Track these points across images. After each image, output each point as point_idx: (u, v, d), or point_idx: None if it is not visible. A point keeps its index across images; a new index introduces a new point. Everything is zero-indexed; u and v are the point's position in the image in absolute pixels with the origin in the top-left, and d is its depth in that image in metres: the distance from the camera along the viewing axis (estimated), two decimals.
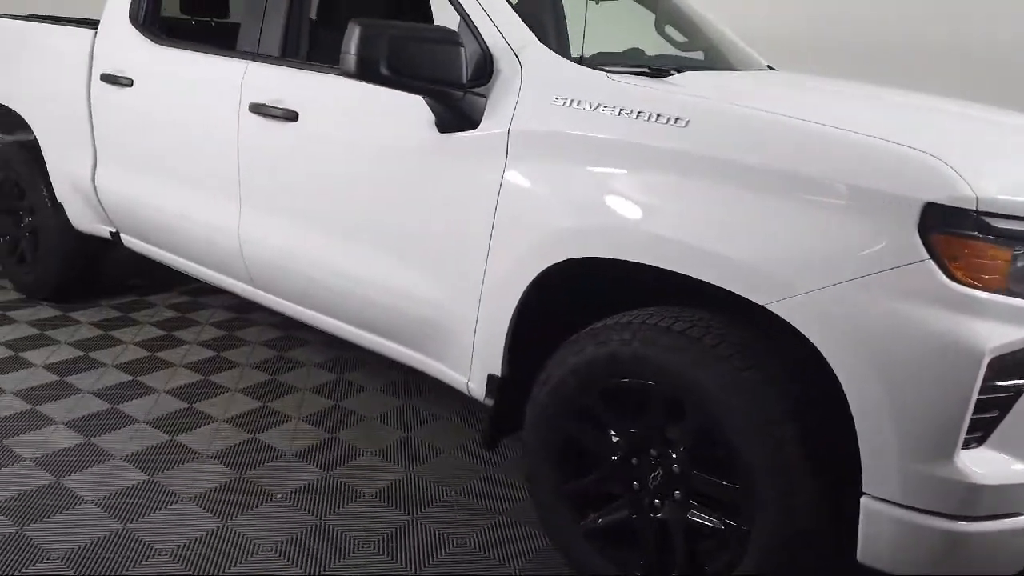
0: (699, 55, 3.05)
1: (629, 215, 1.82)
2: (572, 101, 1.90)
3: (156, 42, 3.05)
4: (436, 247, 2.19)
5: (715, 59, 2.93)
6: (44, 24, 3.53)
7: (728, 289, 1.67)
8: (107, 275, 4.13)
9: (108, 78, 3.16)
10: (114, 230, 3.50)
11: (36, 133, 3.58)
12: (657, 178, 1.78)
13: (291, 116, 2.50)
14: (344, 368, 3.35)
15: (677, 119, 1.76)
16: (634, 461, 1.87)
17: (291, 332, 3.73)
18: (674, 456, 1.81)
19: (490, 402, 2.13)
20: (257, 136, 2.62)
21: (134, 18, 3.15)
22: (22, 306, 3.89)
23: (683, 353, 1.70)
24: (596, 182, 1.85)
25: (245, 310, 3.97)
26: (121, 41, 3.16)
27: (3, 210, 4.00)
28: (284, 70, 2.59)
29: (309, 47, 2.67)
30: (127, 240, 3.47)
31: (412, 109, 2.18)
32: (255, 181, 2.67)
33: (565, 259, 1.90)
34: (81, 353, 3.40)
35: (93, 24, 3.45)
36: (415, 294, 2.26)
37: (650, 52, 2.88)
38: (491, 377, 2.11)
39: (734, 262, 1.65)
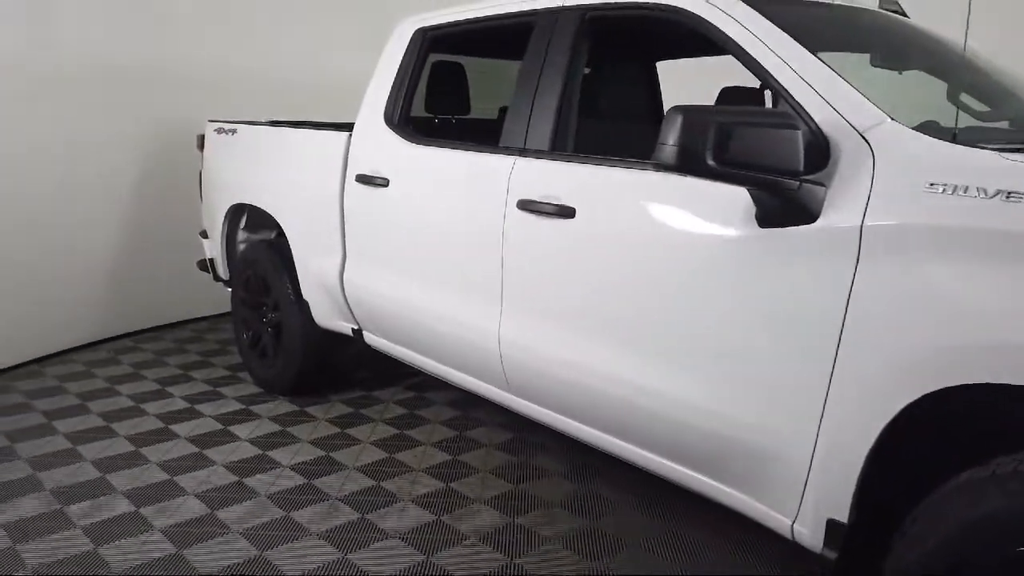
0: (1004, 125, 2.60)
1: None
2: (959, 188, 1.53)
3: (412, 141, 3.00)
4: (754, 363, 1.86)
5: None
6: (302, 129, 3.63)
7: None
8: (335, 369, 4.13)
9: (363, 179, 3.14)
10: (357, 327, 3.45)
11: (286, 232, 3.65)
12: None
13: (567, 212, 2.30)
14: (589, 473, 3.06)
15: None
16: None
17: (523, 434, 3.49)
18: None
19: (830, 554, 1.73)
20: (525, 234, 2.44)
21: (389, 120, 3.13)
22: (261, 399, 3.92)
23: None
24: (1000, 287, 1.46)
25: (470, 406, 3.80)
26: (377, 142, 3.15)
27: (248, 305, 4.10)
28: (557, 164, 2.40)
29: (579, 140, 2.49)
30: (369, 338, 3.40)
31: (721, 201, 1.90)
32: (521, 281, 2.47)
33: (943, 387, 1.51)
34: (323, 453, 3.31)
35: (340, 127, 3.51)
36: (722, 415, 1.93)
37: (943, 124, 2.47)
38: (832, 524, 1.72)
39: None
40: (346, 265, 3.32)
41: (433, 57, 3.27)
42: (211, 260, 4.46)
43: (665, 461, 2.16)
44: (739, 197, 1.86)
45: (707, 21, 2.09)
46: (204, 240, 4.50)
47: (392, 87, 3.16)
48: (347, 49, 5.88)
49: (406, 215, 2.96)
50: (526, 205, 2.42)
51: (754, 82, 3.32)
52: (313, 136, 3.50)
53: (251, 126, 4.05)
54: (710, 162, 1.68)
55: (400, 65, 3.15)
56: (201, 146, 4.45)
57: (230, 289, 4.46)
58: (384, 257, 3.09)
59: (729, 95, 3.10)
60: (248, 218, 4.21)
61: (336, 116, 4.47)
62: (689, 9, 2.15)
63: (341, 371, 4.23)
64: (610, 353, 2.19)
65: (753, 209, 1.83)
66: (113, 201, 4.83)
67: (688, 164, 1.70)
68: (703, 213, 1.96)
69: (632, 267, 2.13)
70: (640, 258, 2.11)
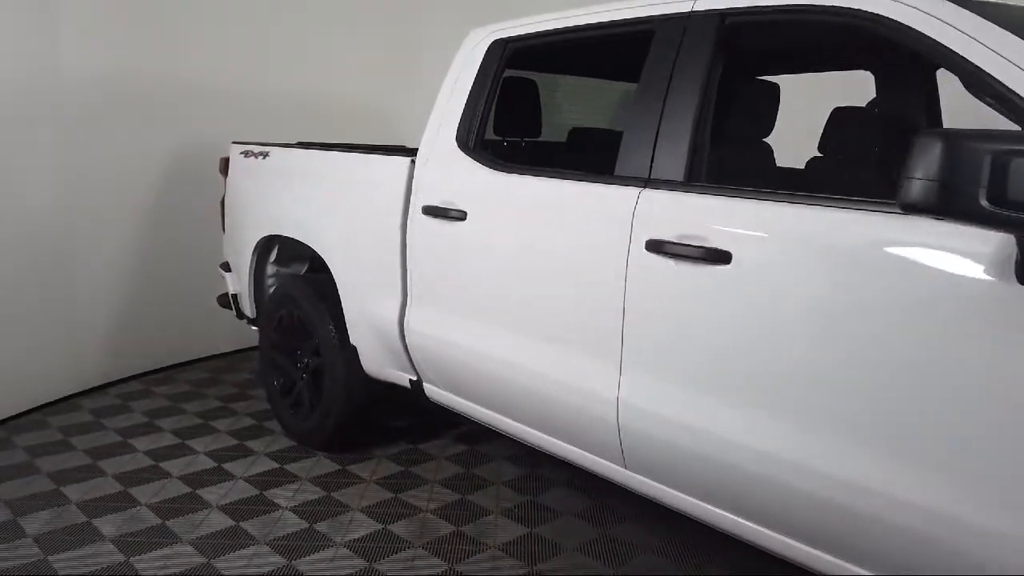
0: None
1: None
2: None
3: (494, 168, 2.57)
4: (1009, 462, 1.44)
5: None
6: (354, 154, 3.18)
7: None
8: (376, 418, 3.68)
9: (433, 211, 2.70)
10: (416, 378, 3.00)
11: (332, 268, 3.19)
12: None
13: (719, 257, 1.87)
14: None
15: None
16: None
17: (602, 499, 3.04)
18: None
19: None
20: (658, 281, 2.00)
21: (463, 143, 2.70)
22: (296, 456, 3.44)
23: None
24: None
25: (535, 462, 3.34)
26: (449, 169, 2.71)
27: (281, 349, 3.63)
28: (702, 198, 1.97)
29: (722, 169, 2.07)
30: (432, 391, 2.94)
31: (963, 248, 1.49)
32: (652, 337, 2.04)
33: None
34: (380, 526, 2.83)
35: (390, 150, 3.08)
36: (938, 504, 1.51)
37: None
38: None
39: None
40: (408, 308, 2.87)
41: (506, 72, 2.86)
42: (235, 296, 3.99)
43: (833, 558, 1.73)
44: (986, 247, 1.45)
45: (906, 26, 1.69)
46: (226, 274, 4.03)
47: (466, 106, 2.73)
48: (375, 74, 5.48)
49: (489, 254, 2.52)
50: (659, 246, 2.00)
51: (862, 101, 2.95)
52: (368, 161, 3.06)
53: (286, 149, 3.61)
54: (984, 203, 1.27)
55: (475, 81, 2.73)
56: (224, 170, 4.00)
57: (254, 327, 4.01)
58: (459, 301, 2.65)
59: (842, 117, 2.71)
60: (279, 251, 3.75)
61: (366, 139, 4.05)
62: (875, 11, 1.75)
63: (380, 419, 3.78)
64: (790, 438, 1.75)
65: (1011, 260, 1.42)
66: (120, 229, 4.35)
67: (953, 205, 1.28)
68: (931, 265, 1.54)
69: (822, 330, 1.70)
70: (833, 318, 1.68)
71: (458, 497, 3.08)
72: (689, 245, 1.92)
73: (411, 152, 2.92)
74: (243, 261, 3.80)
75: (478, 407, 2.73)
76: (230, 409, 4.02)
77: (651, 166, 2.11)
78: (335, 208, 3.14)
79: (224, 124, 4.62)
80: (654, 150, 2.11)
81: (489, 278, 2.52)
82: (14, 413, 3.83)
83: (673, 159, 2.06)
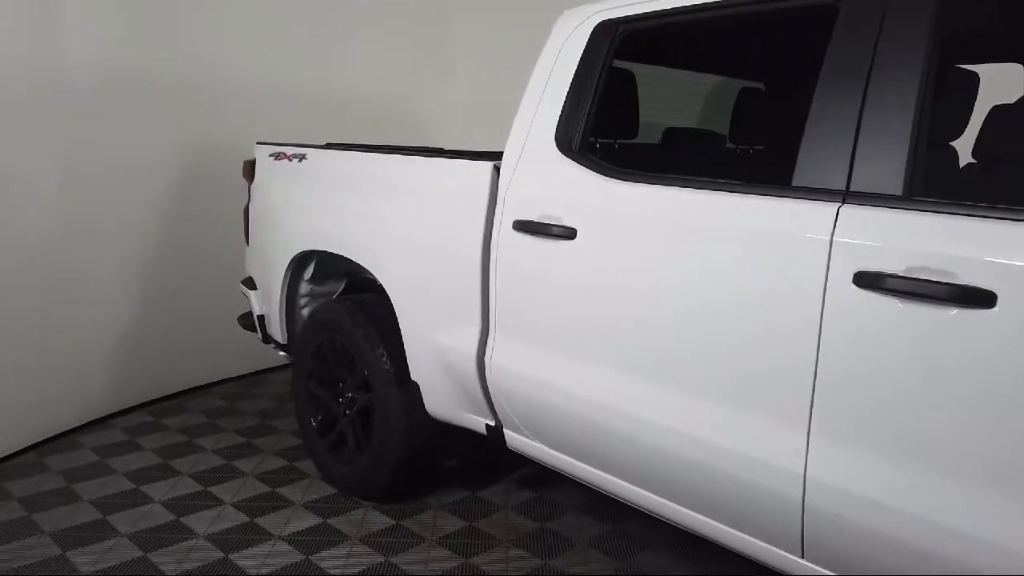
0: None
1: None
2: None
3: (611, 176, 2.08)
4: None
5: None
6: (423, 158, 2.68)
7: None
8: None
9: (528, 227, 2.21)
10: (494, 423, 2.50)
11: (389, 292, 2.69)
12: None
13: (975, 297, 1.40)
14: None
15: None
16: None
17: (710, 567, 2.57)
18: None
19: None
20: (876, 326, 1.52)
21: (564, 146, 2.21)
22: (340, 507, 2.92)
23: None
24: None
25: (615, 515, 2.84)
26: (548, 177, 2.22)
27: (320, 381, 3.12)
28: (946, 221, 1.49)
29: (954, 181, 1.60)
30: (516, 440, 2.45)
31: None
32: (860, 398, 1.56)
33: None
34: None
35: (440, 153, 2.58)
36: None
37: None
38: None
39: None
40: (492, 341, 2.37)
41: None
42: (260, 317, 3.47)
43: None
44: None
45: None
46: (250, 292, 3.51)
47: (566, 102, 2.24)
48: (403, 73, 4.98)
49: (609, 281, 2.02)
50: (875, 281, 1.52)
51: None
52: (441, 167, 2.55)
53: (329, 151, 3.10)
54: None
55: (577, 71, 2.24)
56: (249, 175, 3.48)
57: (282, 353, 3.49)
58: (562, 336, 2.15)
59: (1007, 116, 2.25)
60: (316, 268, 3.24)
61: (393, 141, 3.55)
62: None
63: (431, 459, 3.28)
64: None
65: None
66: (125, 241, 3.82)
67: None
68: None
69: None
70: None
71: (539, 562, 2.58)
72: (930, 281, 1.45)
73: (479, 156, 2.43)
74: (273, 279, 3.28)
75: (582, 465, 2.23)
76: (253, 446, 3.49)
77: (850, 175, 1.63)
78: (394, 221, 2.64)
79: (238, 122, 4.11)
80: (853, 155, 1.63)
81: (609, 311, 2.02)
82: (7, 453, 3.29)
83: (885, 167, 1.58)
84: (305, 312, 3.34)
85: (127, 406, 3.88)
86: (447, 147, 3.96)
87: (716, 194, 1.85)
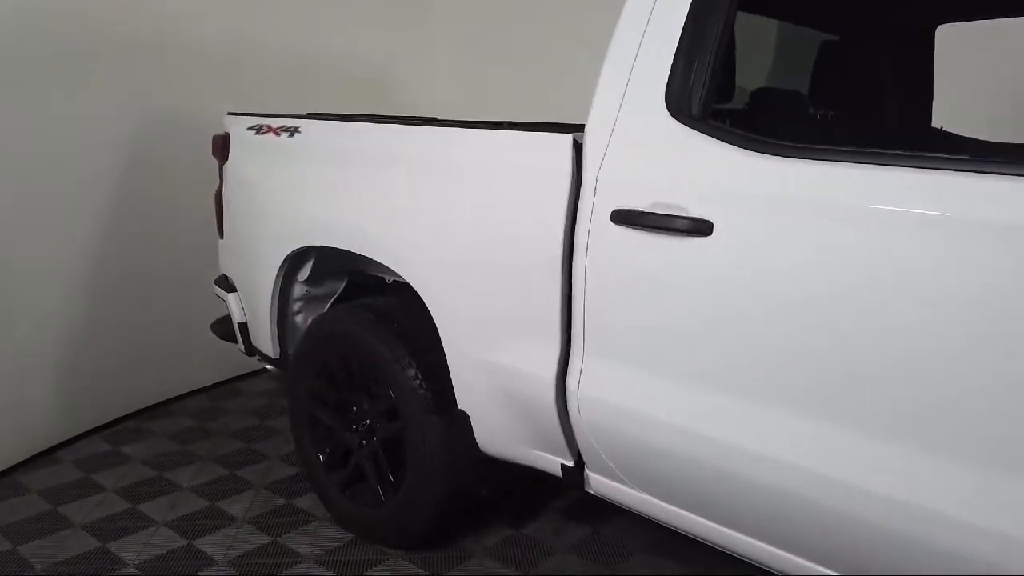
0: None
1: None
2: None
3: (758, 151, 1.56)
4: None
5: None
6: (468, 130, 2.09)
7: None
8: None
9: (637, 218, 1.66)
10: (573, 464, 1.97)
11: (427, 301, 2.12)
12: None
13: None
14: None
15: None
16: None
17: None
18: None
19: None
20: None
21: (681, 111, 1.68)
22: (363, 559, 2.35)
23: None
24: None
25: (689, 555, 2.36)
26: (662, 152, 1.68)
27: (328, 405, 2.53)
28: None
29: None
30: (600, 484, 1.92)
31: None
32: None
33: None
34: None
35: (534, 126, 2.02)
36: None
37: None
38: None
39: None
40: (577, 365, 1.83)
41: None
42: (243, 325, 2.86)
43: None
44: None
45: None
46: (227, 295, 2.88)
47: (678, 55, 1.70)
48: (377, 36, 4.33)
49: (766, 291, 1.51)
50: None
51: None
52: (500, 143, 1.97)
53: (333, 123, 2.49)
54: None
55: (691, 15, 1.70)
56: (221, 153, 2.84)
57: (269, 367, 2.89)
58: (688, 362, 1.63)
59: None
60: (315, 266, 2.64)
61: (362, 110, 2.94)
62: None
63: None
64: None
65: None
66: (65, 232, 3.12)
67: None
68: None
69: None
70: None
71: None
72: None
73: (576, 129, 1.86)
74: (259, 281, 2.66)
75: (702, 520, 1.74)
76: (241, 480, 2.88)
77: None
78: (433, 211, 2.06)
79: (197, 89, 3.43)
80: None
81: (761, 330, 1.52)
82: None
83: None
84: (300, 319, 2.74)
85: (77, 433, 3.21)
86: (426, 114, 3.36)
87: (931, 175, 1.35)
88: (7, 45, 2.78)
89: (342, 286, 2.78)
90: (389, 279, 2.58)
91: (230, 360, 3.59)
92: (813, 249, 1.46)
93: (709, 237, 1.57)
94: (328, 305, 2.78)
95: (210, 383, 3.81)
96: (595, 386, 1.80)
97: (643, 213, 1.66)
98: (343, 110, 2.92)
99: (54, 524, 2.55)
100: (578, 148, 1.81)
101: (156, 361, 3.49)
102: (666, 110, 1.69)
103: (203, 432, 3.30)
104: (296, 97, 3.51)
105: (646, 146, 1.71)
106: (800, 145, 1.52)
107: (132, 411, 3.45)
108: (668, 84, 1.69)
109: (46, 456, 3.04)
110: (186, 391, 3.70)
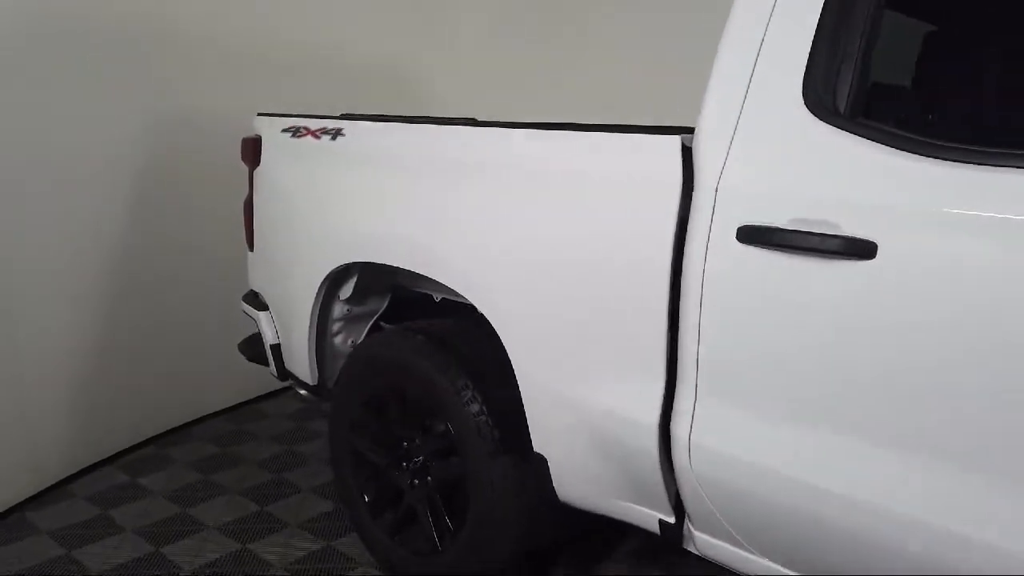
0: None
1: None
2: None
3: (934, 157, 1.27)
4: None
5: None
6: (552, 132, 1.80)
7: None
8: None
9: (772, 237, 1.37)
10: (674, 521, 1.69)
11: (499, 328, 1.82)
12: None
13: None
14: None
15: None
16: None
17: None
18: None
19: None
20: None
21: (821, 105, 1.39)
22: None
23: None
24: None
25: None
26: (799, 156, 1.39)
27: (375, 440, 2.25)
28: None
29: None
30: (707, 544, 1.64)
31: None
32: None
33: None
34: None
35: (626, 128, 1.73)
36: None
37: None
38: None
39: None
40: (688, 407, 1.55)
41: None
42: (276, 347, 2.58)
43: None
44: None
45: None
46: (259, 313, 2.60)
47: (818, 37, 1.42)
48: (401, 31, 4.05)
49: (949, 328, 1.23)
50: None
51: None
52: (589, 147, 1.68)
53: (383, 124, 2.21)
54: None
55: None
56: (253, 158, 2.56)
57: (304, 393, 2.61)
58: (837, 410, 1.35)
59: None
60: (358, 283, 2.36)
61: (390, 110, 2.64)
62: None
63: None
64: None
65: None
66: (69, 251, 2.84)
67: None
68: None
69: None
70: None
71: None
72: None
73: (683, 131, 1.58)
74: (296, 299, 2.38)
75: None
76: (272, 518, 2.60)
77: None
78: (509, 225, 1.78)
79: (215, 89, 3.16)
80: None
81: (949, 377, 1.23)
82: None
83: None
84: (339, 341, 2.46)
85: (90, 463, 2.93)
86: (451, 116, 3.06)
87: None
88: (21, 41, 2.51)
89: (385, 304, 2.50)
90: (438, 297, 2.30)
91: (253, 379, 3.32)
92: (1007, 278, 1.18)
93: (871, 261, 1.28)
94: (369, 325, 2.51)
95: (232, 404, 3.53)
96: (712, 433, 1.51)
97: (781, 231, 1.37)
98: (365, 109, 2.63)
99: (67, 570, 2.27)
100: (686, 153, 1.53)
101: (174, 381, 3.21)
102: (804, 106, 1.40)
103: (228, 460, 3.02)
104: (313, 96, 3.23)
105: (780, 150, 1.42)
106: (984, 149, 1.24)
107: (149, 436, 3.17)
108: (807, 73, 1.41)
109: (57, 490, 2.76)
110: (207, 413, 3.43)
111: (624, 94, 3.58)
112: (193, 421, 3.35)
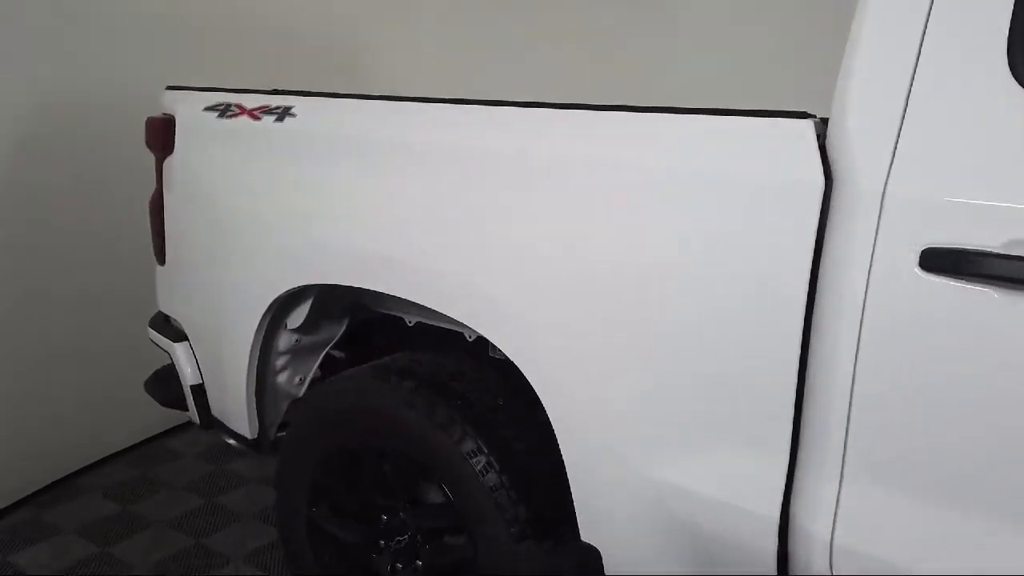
0: None
1: None
2: None
3: None
4: None
5: None
6: (624, 112, 1.28)
7: None
8: None
9: (984, 267, 0.93)
10: None
11: (533, 379, 1.33)
12: None
13: None
14: None
15: None
16: None
17: None
18: None
19: None
20: None
21: None
22: None
23: None
24: None
25: None
26: (1016, 153, 0.99)
27: (333, 507, 1.71)
28: None
29: None
30: None
31: None
32: None
33: None
34: None
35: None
36: None
37: None
38: None
39: None
40: (830, 493, 1.11)
41: None
42: (198, 387, 1.98)
43: None
44: None
45: None
46: (174, 345, 2.00)
47: None
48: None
49: None
50: None
51: None
52: (674, 129, 1.21)
53: (355, 102, 1.65)
54: None
55: None
56: (162, 143, 1.95)
57: (232, 442, 2.03)
58: None
59: None
60: (313, 308, 1.80)
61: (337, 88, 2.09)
62: None
63: None
64: None
65: None
66: None
67: None
68: None
69: None
70: None
71: None
72: None
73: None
74: (229, 329, 1.80)
75: None
76: None
77: None
78: (553, 239, 1.29)
79: (110, 58, 2.51)
80: None
81: None
82: None
83: None
84: (284, 378, 1.91)
85: None
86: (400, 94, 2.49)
87: None
88: None
89: (342, 330, 1.96)
90: (411, 320, 1.79)
91: (157, 411, 2.67)
92: None
93: None
94: (321, 357, 1.96)
95: (132, 442, 2.86)
96: (870, 532, 1.09)
97: (995, 257, 0.96)
98: (306, 86, 2.04)
99: None
100: (822, 143, 1.09)
101: (57, 422, 2.53)
102: (1012, 77, 0.99)
103: (129, 524, 2.39)
104: (240, 70, 2.61)
105: (981, 143, 1.01)
106: None
107: (23, 495, 2.49)
108: (1012, 29, 1.00)
109: None
110: (101, 456, 2.75)
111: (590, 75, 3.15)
112: (82, 469, 2.67)
